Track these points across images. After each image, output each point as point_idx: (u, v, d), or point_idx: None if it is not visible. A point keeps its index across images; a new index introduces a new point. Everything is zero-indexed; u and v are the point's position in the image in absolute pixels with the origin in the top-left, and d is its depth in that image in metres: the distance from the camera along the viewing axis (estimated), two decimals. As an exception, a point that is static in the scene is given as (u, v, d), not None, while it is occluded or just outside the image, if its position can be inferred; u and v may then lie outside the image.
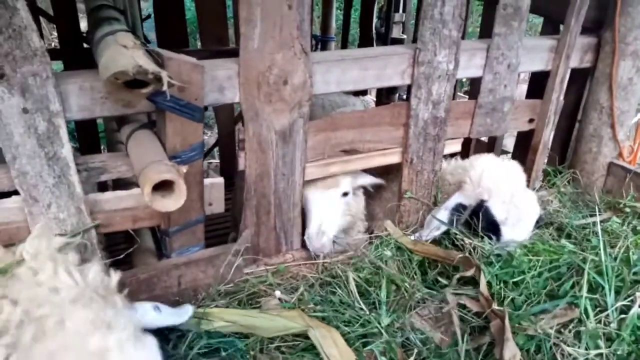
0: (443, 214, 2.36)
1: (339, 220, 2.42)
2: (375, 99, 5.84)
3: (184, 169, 1.53)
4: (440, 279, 2.24)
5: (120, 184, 2.25)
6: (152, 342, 1.31)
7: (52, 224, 1.78)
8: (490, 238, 2.29)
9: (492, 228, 2.30)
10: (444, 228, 2.35)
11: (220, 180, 2.10)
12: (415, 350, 1.90)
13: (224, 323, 1.85)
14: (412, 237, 2.42)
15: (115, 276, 1.44)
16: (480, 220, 2.29)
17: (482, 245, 2.24)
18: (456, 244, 2.35)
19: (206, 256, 2.07)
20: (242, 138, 2.01)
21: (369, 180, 2.53)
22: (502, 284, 2.06)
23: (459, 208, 2.36)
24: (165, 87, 1.39)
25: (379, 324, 1.96)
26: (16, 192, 1.74)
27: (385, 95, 5.42)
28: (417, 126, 2.35)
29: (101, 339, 1.20)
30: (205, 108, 1.90)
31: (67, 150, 1.70)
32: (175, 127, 1.78)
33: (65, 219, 1.80)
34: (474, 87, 2.62)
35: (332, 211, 2.36)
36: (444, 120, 2.40)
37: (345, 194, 2.42)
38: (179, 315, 1.62)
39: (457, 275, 2.14)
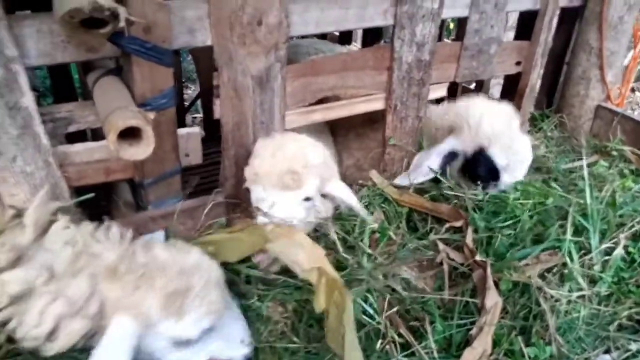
0: (434, 159, 2.29)
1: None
2: (361, 47, 5.66)
3: (151, 115, 1.44)
4: (425, 227, 2.21)
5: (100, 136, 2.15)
6: None
7: (19, 177, 1.70)
8: (487, 184, 2.24)
9: (493, 175, 2.25)
10: (433, 174, 2.28)
11: (196, 130, 2.01)
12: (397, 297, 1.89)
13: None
14: (398, 181, 2.36)
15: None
16: (477, 167, 2.24)
17: (474, 193, 2.19)
18: (444, 194, 2.30)
19: (184, 208, 2.01)
20: (217, 84, 1.91)
21: (343, 195, 2.00)
22: (489, 231, 2.03)
23: (452, 154, 2.29)
24: (122, 24, 1.28)
25: (362, 268, 1.93)
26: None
27: (370, 43, 5.25)
28: (400, 70, 2.26)
29: None
30: (177, 52, 1.79)
31: (28, 99, 1.60)
32: (142, 72, 1.68)
33: (33, 172, 1.71)
34: (461, 30, 2.51)
35: (286, 216, 1.86)
36: (428, 64, 2.30)
37: (307, 199, 1.91)
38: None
39: (447, 226, 2.11)
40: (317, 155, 1.93)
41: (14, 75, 1.55)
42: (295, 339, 1.73)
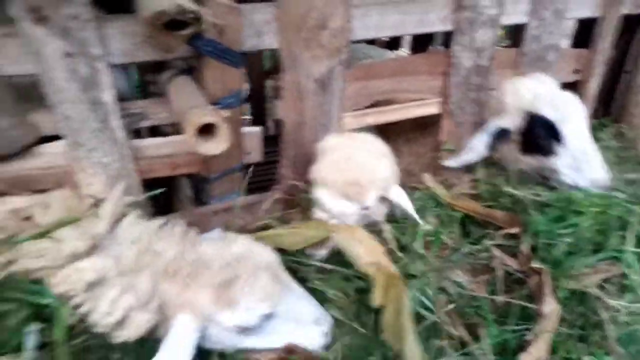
0: (482, 138, 2.27)
1: None
2: (410, 53, 5.68)
3: (225, 113, 1.52)
4: (479, 232, 2.20)
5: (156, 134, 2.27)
6: None
7: (97, 168, 1.81)
8: (550, 145, 2.18)
9: (551, 132, 2.16)
10: (481, 153, 2.26)
11: (257, 129, 2.09)
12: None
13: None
14: (447, 164, 2.35)
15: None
16: (532, 130, 2.19)
17: (535, 193, 2.16)
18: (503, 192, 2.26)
19: (245, 203, 2.09)
20: (280, 86, 1.99)
21: (401, 200, 2.03)
22: (548, 235, 2.01)
23: (500, 132, 2.26)
24: (205, 26, 1.36)
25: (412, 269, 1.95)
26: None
27: (419, 48, 5.25)
28: (458, 75, 2.27)
29: None
30: (244, 54, 1.88)
31: (109, 95, 1.71)
32: (214, 73, 1.77)
33: (109, 164, 1.82)
34: (517, 36, 2.50)
35: (341, 220, 1.93)
36: (487, 69, 2.31)
37: (365, 208, 1.95)
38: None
39: (501, 232, 2.10)
40: (385, 167, 1.95)
41: (97, 73, 1.66)
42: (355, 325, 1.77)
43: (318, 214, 1.89)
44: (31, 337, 1.51)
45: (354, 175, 1.85)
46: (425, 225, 2.10)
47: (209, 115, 1.40)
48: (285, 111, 2.05)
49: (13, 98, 1.65)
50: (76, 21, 1.55)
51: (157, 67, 2.07)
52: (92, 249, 1.59)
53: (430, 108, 2.37)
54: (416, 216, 2.08)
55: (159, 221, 1.68)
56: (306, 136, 2.13)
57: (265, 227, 2.06)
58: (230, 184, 2.08)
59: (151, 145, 1.94)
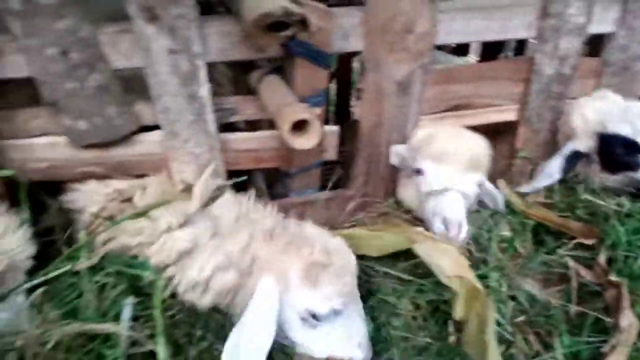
0: (556, 163, 2.24)
1: None
2: (478, 59, 5.60)
3: (317, 111, 1.60)
4: (553, 242, 2.18)
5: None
6: None
7: (189, 157, 1.94)
8: (633, 161, 2.13)
9: (631, 147, 2.12)
10: (556, 178, 2.24)
11: (335, 128, 2.16)
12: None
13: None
14: (521, 190, 2.34)
15: None
16: (609, 149, 2.15)
17: (619, 203, 2.11)
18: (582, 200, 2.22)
19: (321, 198, 2.17)
20: (360, 87, 2.05)
21: (494, 191, 2.17)
22: (628, 247, 1.96)
23: (575, 155, 2.24)
24: (312, 29, 1.45)
25: (486, 278, 1.96)
26: (155, 128, 1.92)
27: (488, 56, 5.18)
28: (540, 82, 2.26)
29: None
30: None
31: (204, 90, 1.83)
32: (304, 72, 1.86)
33: (200, 154, 1.95)
34: (598, 45, 2.43)
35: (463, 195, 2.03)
36: (569, 78, 2.28)
37: (478, 185, 2.09)
38: None
39: (575, 241, 2.07)
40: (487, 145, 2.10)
41: (196, 69, 1.78)
42: (423, 335, 1.81)
43: (436, 224, 1.95)
44: (128, 308, 1.64)
45: (472, 144, 2.04)
46: (503, 231, 2.10)
47: (305, 112, 1.49)
48: (363, 112, 2.11)
49: (121, 89, 1.80)
50: (182, 20, 1.68)
51: (247, 66, 2.18)
52: (184, 224, 1.72)
53: (508, 114, 2.36)
54: (503, 208, 2.16)
55: (252, 198, 1.82)
56: (382, 137, 2.19)
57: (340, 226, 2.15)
58: (308, 180, 2.17)
59: (238, 139, 2.06)
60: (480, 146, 2.09)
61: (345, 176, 2.36)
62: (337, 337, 1.63)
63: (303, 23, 1.47)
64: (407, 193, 2.22)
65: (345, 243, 1.71)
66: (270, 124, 2.87)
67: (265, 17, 1.45)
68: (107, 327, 1.46)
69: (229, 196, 1.75)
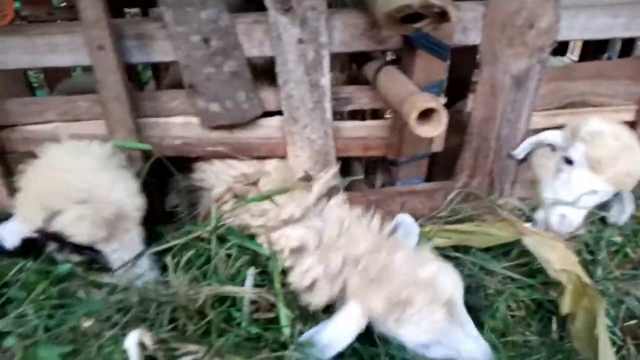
0: None
1: None
2: (577, 60, 5.35)
3: (442, 100, 1.64)
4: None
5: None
6: None
7: (305, 142, 2.05)
8: None
9: None
10: None
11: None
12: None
13: (441, 240, 1.98)
14: None
15: None
16: None
17: None
18: None
19: (427, 189, 2.21)
20: (474, 80, 2.07)
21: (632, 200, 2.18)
22: None
23: None
24: (454, 20, 1.49)
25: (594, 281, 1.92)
26: (275, 114, 2.05)
27: (589, 55, 4.93)
28: (664, 82, 2.16)
29: None
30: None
31: (326, 79, 1.93)
32: (423, 63, 1.90)
33: (315, 140, 2.06)
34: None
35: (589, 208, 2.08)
36: (698, 78, 2.17)
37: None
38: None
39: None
40: None
41: (321, 59, 1.88)
42: (528, 332, 1.81)
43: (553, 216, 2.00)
44: (251, 278, 1.78)
45: (633, 164, 1.98)
46: (613, 236, 2.05)
47: (432, 101, 1.54)
48: (476, 105, 2.12)
49: (250, 76, 1.94)
50: (314, 12, 1.78)
51: (362, 58, 2.26)
52: (303, 218, 1.82)
53: (625, 114, 2.28)
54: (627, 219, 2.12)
55: (360, 210, 1.85)
56: (492, 131, 2.19)
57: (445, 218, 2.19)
58: (415, 169, 2.21)
59: (349, 127, 2.15)
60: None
61: (443, 167, 2.38)
62: (446, 354, 1.56)
63: (441, 15, 1.51)
64: (543, 162, 2.21)
65: (446, 266, 1.64)
66: (374, 114, 2.97)
67: (404, 8, 1.50)
68: (242, 289, 1.59)
69: (339, 202, 1.85)
